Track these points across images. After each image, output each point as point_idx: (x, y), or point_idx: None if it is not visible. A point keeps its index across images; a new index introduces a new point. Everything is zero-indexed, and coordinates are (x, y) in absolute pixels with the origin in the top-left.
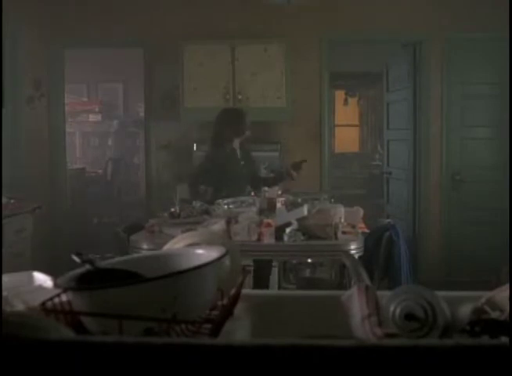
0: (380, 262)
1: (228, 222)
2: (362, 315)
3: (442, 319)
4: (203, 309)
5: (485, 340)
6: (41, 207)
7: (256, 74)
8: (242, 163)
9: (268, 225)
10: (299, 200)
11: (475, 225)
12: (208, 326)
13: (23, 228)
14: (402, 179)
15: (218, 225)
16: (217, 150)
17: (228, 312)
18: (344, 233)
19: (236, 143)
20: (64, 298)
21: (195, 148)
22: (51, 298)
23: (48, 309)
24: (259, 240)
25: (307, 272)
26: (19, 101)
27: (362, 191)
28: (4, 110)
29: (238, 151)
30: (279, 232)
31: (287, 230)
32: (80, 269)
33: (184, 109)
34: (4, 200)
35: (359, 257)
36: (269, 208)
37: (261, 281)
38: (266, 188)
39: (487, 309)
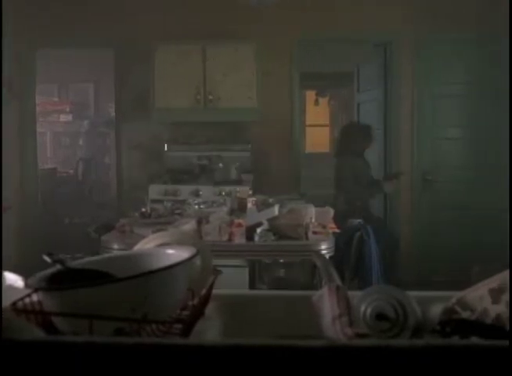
0: (351, 262)
1: (199, 222)
2: (332, 315)
3: (413, 320)
4: (174, 309)
5: (456, 340)
6: (11, 207)
7: (227, 75)
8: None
9: (239, 225)
10: (270, 200)
11: (446, 224)
12: (179, 326)
13: None
14: None
15: (189, 225)
16: (356, 159)
17: (199, 312)
18: (314, 233)
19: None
20: (35, 298)
21: (166, 148)
22: (21, 298)
23: (18, 309)
24: (230, 240)
25: (280, 273)
26: None
27: (332, 191)
28: None
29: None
30: (250, 232)
31: (258, 230)
32: (51, 269)
33: (155, 109)
34: None
35: (330, 257)
36: (240, 208)
37: None
38: (238, 188)
39: (457, 309)
